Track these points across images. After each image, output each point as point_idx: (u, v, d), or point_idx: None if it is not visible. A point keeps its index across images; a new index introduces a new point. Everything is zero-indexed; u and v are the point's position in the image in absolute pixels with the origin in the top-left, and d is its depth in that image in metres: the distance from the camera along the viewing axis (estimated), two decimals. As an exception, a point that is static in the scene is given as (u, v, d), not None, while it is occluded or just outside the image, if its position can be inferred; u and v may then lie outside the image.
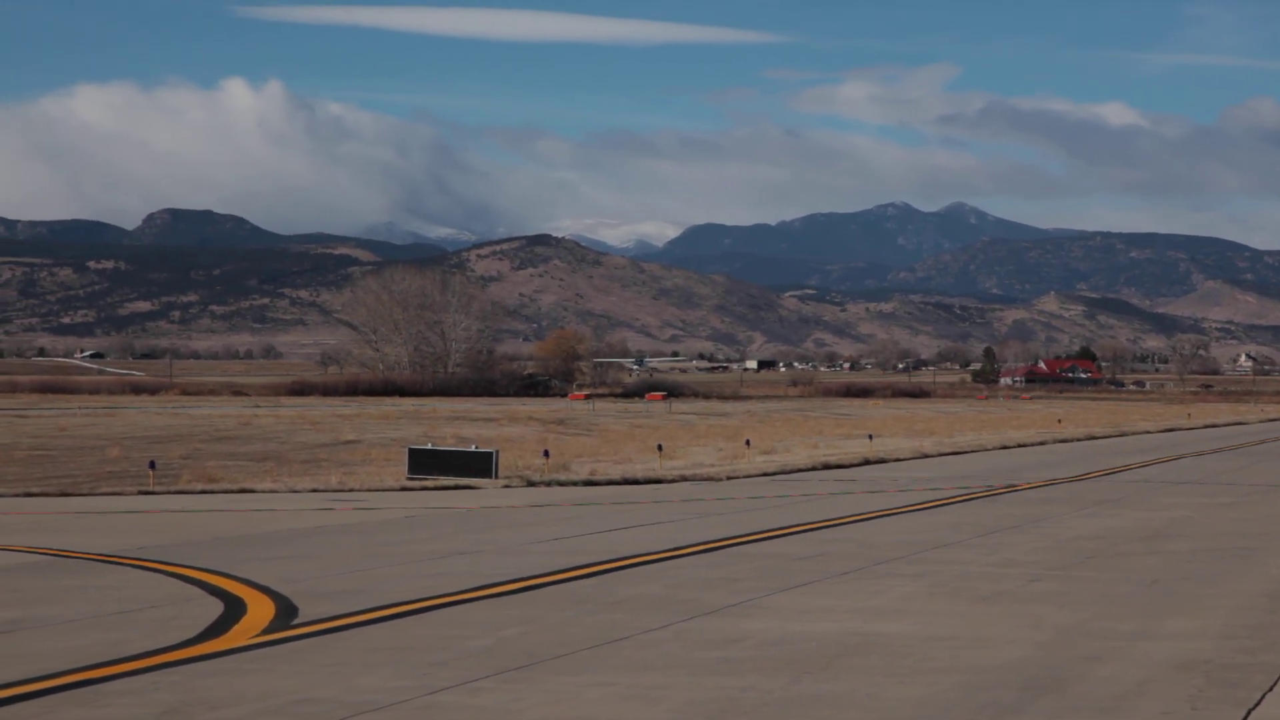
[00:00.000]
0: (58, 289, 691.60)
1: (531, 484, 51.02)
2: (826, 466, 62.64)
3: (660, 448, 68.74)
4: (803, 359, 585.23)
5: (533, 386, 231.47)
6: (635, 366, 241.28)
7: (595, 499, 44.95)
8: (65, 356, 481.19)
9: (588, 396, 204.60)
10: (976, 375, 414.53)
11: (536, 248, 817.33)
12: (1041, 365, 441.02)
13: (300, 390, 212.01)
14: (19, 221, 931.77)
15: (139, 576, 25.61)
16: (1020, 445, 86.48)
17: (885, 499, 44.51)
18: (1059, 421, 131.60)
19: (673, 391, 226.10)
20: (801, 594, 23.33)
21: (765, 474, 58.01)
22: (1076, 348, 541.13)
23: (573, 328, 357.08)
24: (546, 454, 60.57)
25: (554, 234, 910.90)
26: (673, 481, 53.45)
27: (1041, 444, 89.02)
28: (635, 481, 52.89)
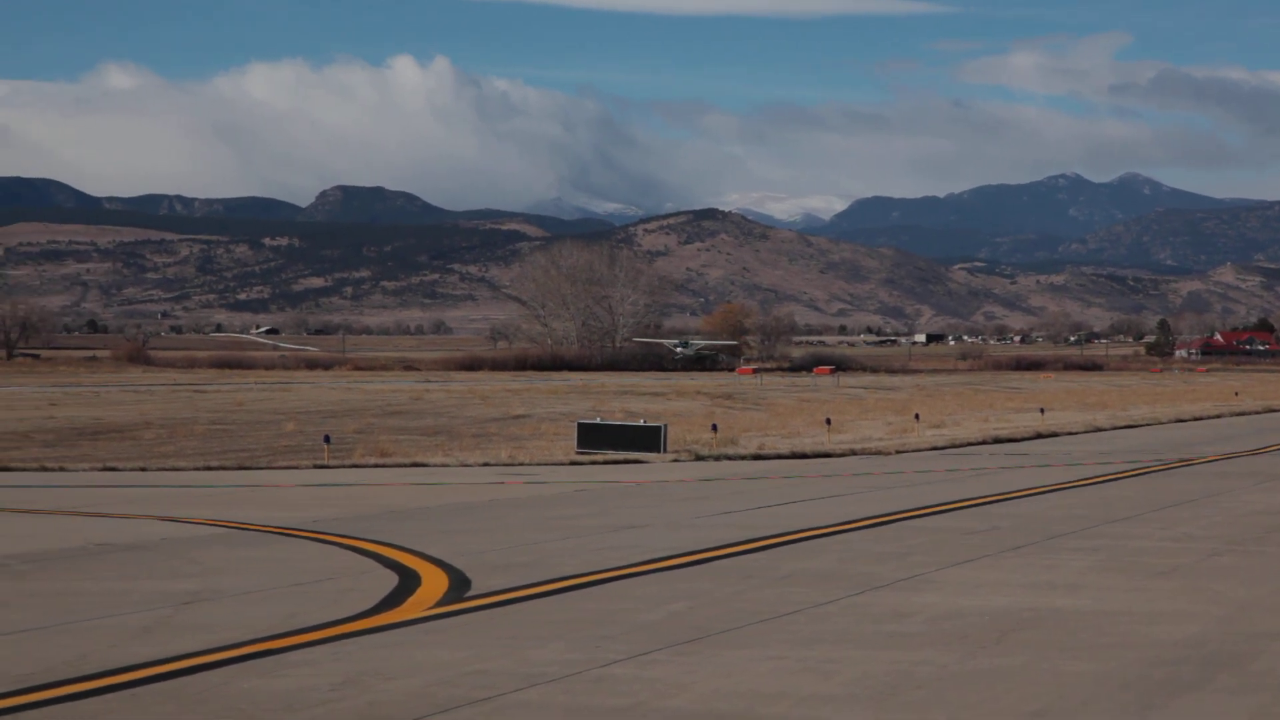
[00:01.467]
0: (234, 265, 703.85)
1: (700, 458, 51.09)
2: (997, 440, 62.04)
3: (829, 421, 68.49)
4: (972, 332, 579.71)
5: (700, 361, 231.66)
6: (680, 349, 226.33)
7: (763, 473, 44.90)
8: (241, 332, 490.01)
9: (756, 370, 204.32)
10: (1150, 348, 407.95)
11: (704, 222, 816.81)
12: (1218, 337, 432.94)
13: (470, 365, 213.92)
14: (196, 199, 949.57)
15: (315, 549, 26.04)
16: (1195, 419, 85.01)
17: (1057, 473, 43.99)
18: (1235, 394, 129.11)
19: (840, 365, 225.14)
20: (973, 568, 23.14)
21: (935, 448, 57.58)
22: (1254, 319, 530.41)
23: (740, 302, 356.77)
24: (715, 428, 60.60)
25: (721, 208, 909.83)
26: (841, 455, 53.24)
27: (1218, 417, 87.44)
28: (803, 455, 52.75)
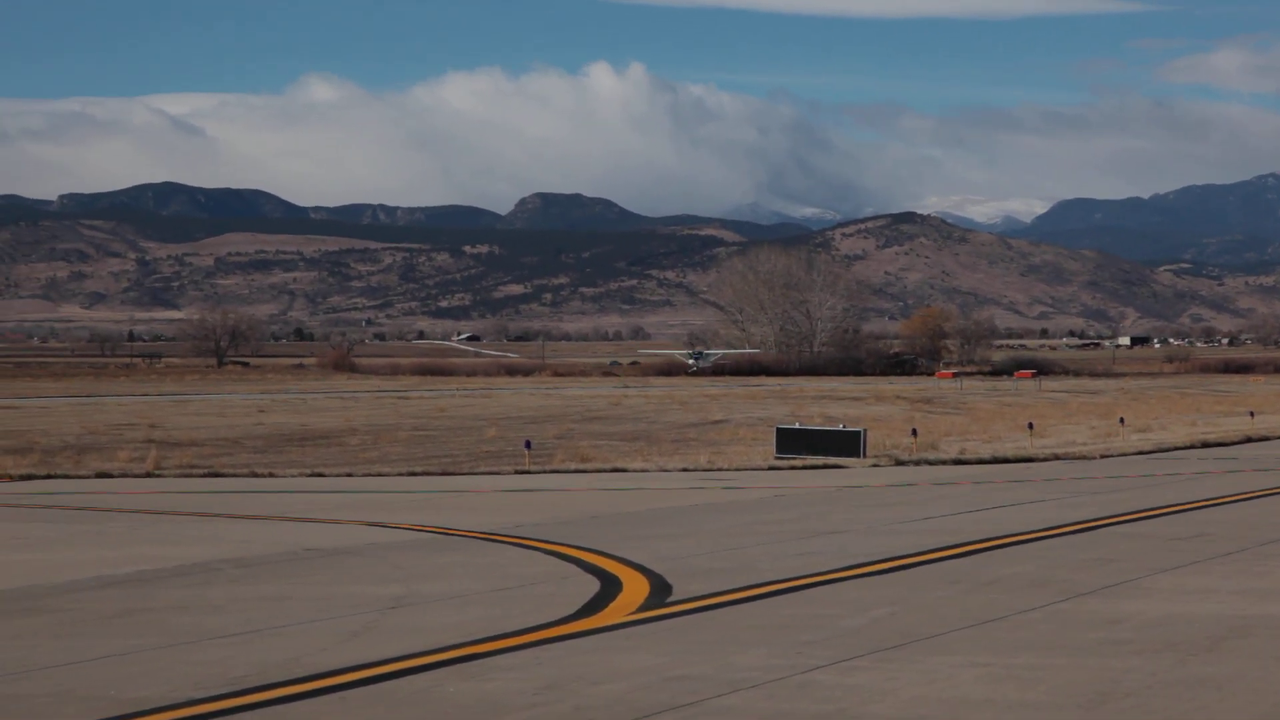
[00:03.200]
0: (435, 273, 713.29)
1: (900, 463, 50.74)
2: (1205, 444, 60.81)
3: (1031, 426, 67.62)
4: (1178, 335, 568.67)
5: (899, 365, 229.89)
6: (692, 360, 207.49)
7: (964, 478, 44.46)
8: (443, 339, 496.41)
9: (955, 375, 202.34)
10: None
11: (902, 225, 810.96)
12: None
13: (668, 370, 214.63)
14: (399, 208, 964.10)
15: (518, 554, 26.29)
16: None
17: (1269, 478, 42.98)
18: None
19: (1042, 369, 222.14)
20: (1181, 575, 22.70)
21: (1140, 452, 56.58)
22: None
23: (939, 305, 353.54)
24: (915, 433, 60.14)
25: (919, 211, 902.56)
26: (1044, 460, 52.54)
27: None
28: (1005, 460, 52.15)
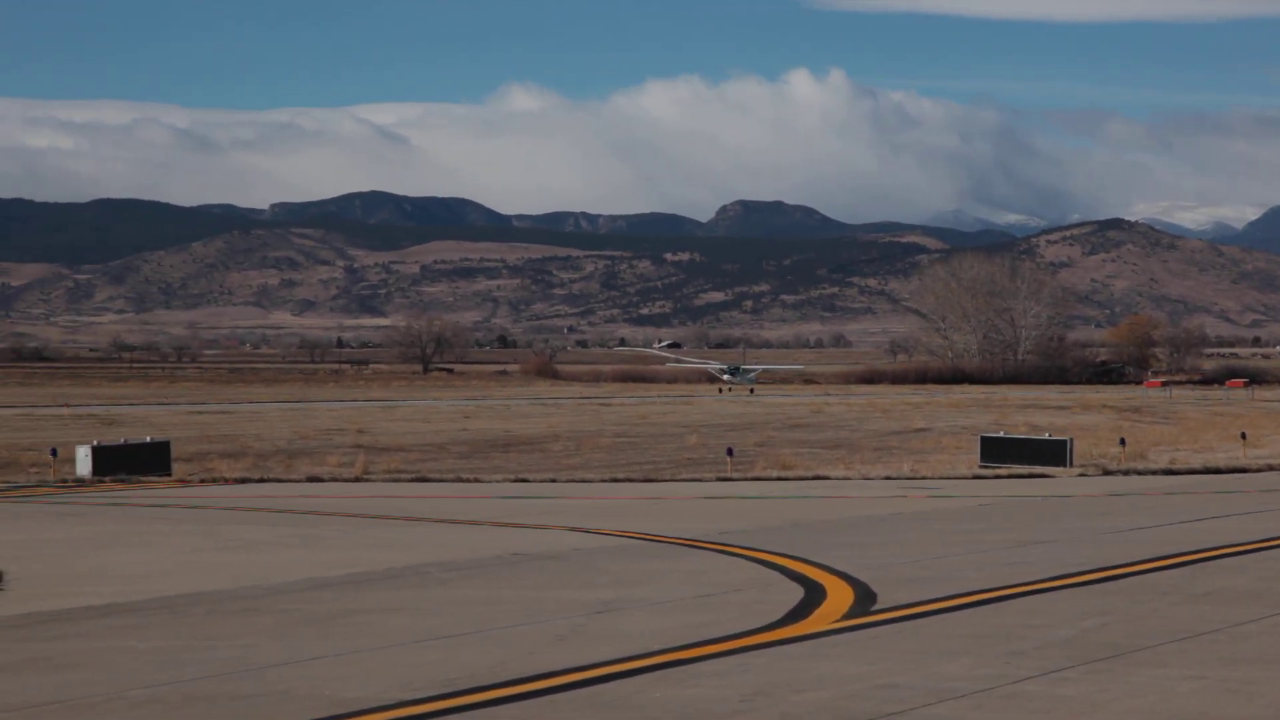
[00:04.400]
0: (637, 281, 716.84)
1: (1108, 472, 49.96)
2: None
3: (1244, 436, 66.18)
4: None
5: (1105, 374, 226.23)
6: (726, 376, 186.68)
7: (1175, 488, 43.64)
8: (644, 346, 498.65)
9: (1164, 384, 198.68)
10: None
11: (1109, 232, 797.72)
12: None
13: (870, 378, 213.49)
14: (600, 216, 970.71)
15: (722, 561, 26.34)
16: None
17: None
18: None
19: (1255, 378, 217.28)
20: (1404, 591, 22.06)
21: (1359, 464, 55.06)
22: None
23: (1147, 313, 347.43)
24: (1123, 442, 59.17)
25: (1126, 218, 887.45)
26: (1258, 471, 51.38)
27: None
28: (1217, 470, 51.09)
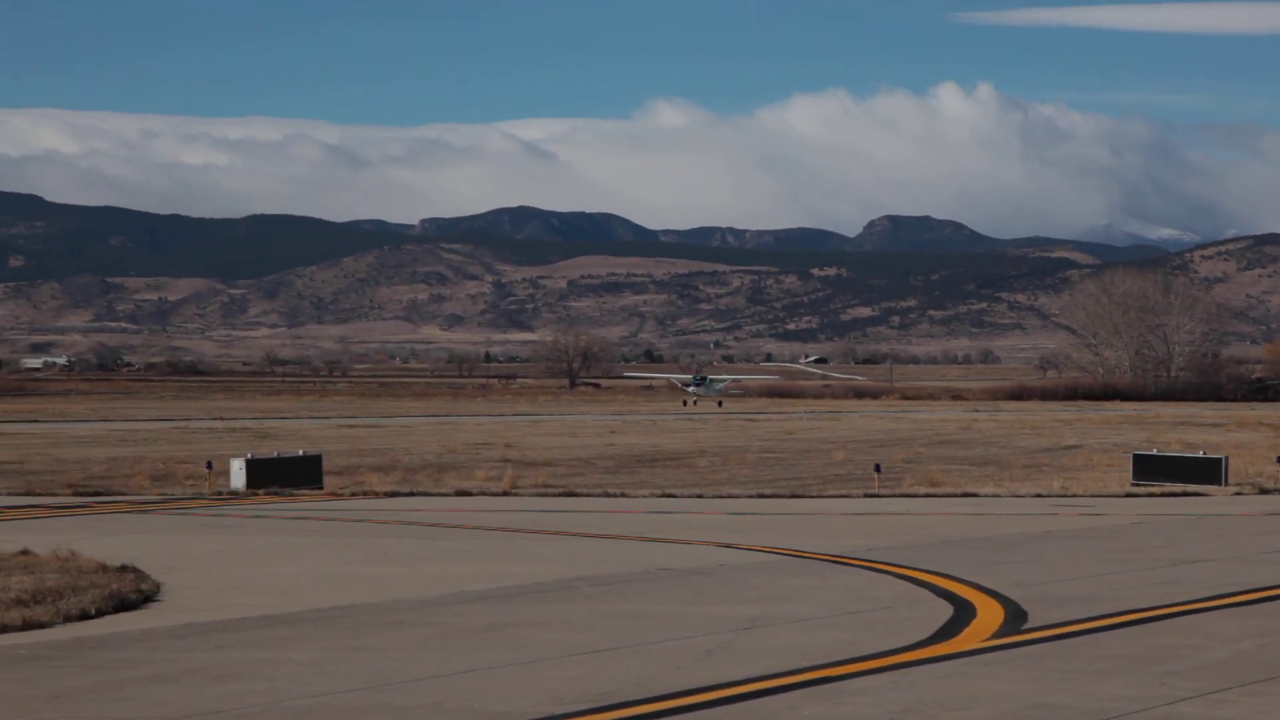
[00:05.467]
0: (783, 296, 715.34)
1: (1264, 491, 49.06)
2: None
3: (1405, 455, 64.58)
4: None
5: (1262, 390, 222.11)
6: (690, 388, 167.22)
7: (1334, 508, 42.74)
8: (790, 361, 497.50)
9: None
10: None
11: (1265, 247, 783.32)
12: None
13: (1019, 394, 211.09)
14: (747, 231, 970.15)
15: (869, 577, 26.23)
16: None
17: None
18: None
19: None
20: None
21: None
22: None
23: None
24: (1280, 460, 58.05)
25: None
26: None
27: None
28: (1379, 491, 49.93)
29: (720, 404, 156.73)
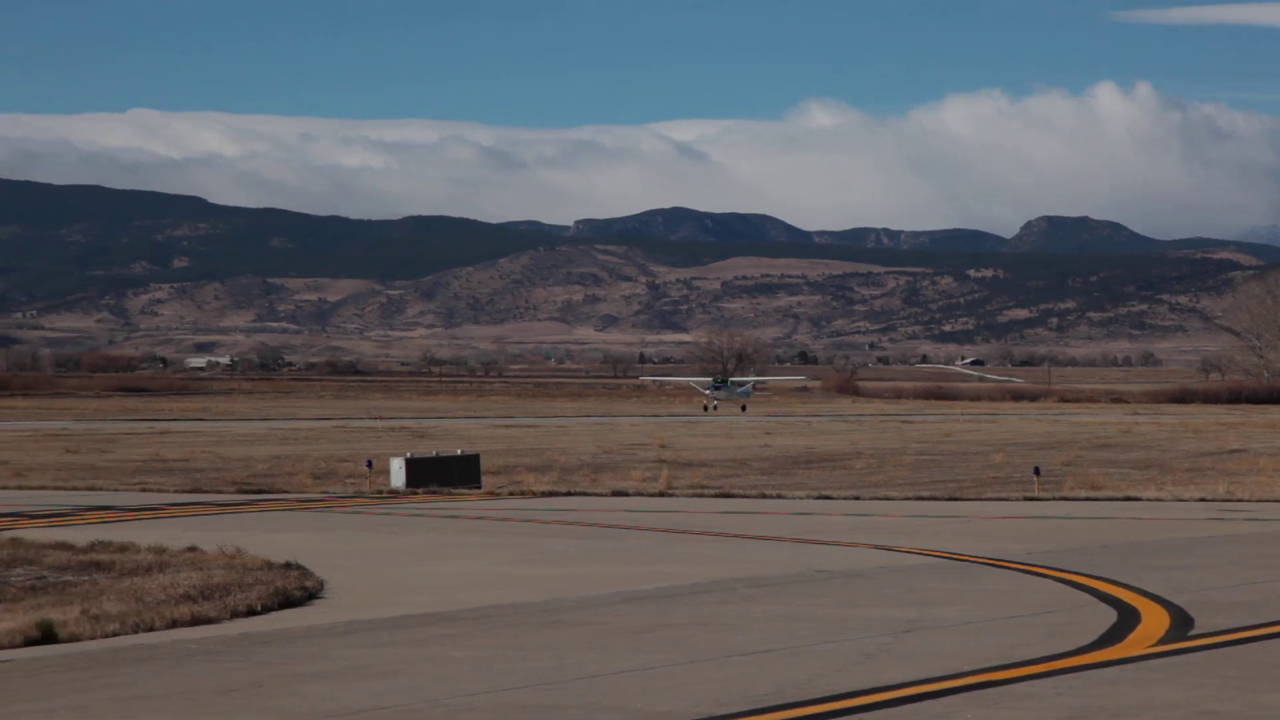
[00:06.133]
0: (939, 297, 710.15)
1: None
2: None
3: None
4: None
5: None
6: (709, 391, 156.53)
7: None
8: (946, 363, 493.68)
9: None
10: None
11: None
12: None
13: (1181, 397, 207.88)
14: (902, 232, 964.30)
15: (1029, 581, 25.96)
16: None
17: None
18: None
19: None
20: None
21: None
22: None
23: None
24: None
25: None
26: None
27: None
28: None
29: (744, 408, 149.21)
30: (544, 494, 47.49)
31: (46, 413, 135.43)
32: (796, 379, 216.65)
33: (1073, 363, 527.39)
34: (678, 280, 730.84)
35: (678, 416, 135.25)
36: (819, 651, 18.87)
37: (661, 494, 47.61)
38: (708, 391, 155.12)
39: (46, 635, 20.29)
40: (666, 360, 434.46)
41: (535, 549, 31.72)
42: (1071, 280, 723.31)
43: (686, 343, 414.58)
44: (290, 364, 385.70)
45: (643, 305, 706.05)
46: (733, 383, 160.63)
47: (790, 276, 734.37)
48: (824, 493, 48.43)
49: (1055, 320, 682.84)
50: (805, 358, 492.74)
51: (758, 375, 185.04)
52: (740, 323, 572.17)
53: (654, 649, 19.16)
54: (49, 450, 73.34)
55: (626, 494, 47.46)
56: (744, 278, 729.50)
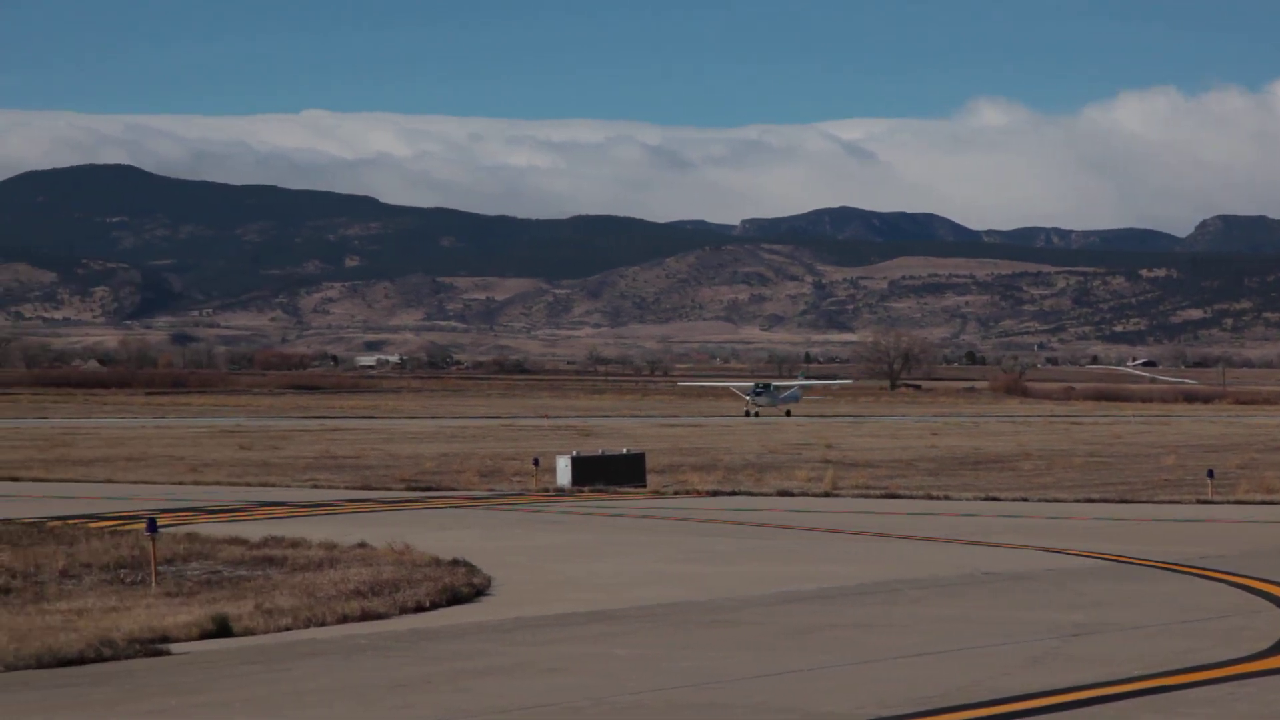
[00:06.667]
0: (1110, 297, 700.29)
1: None
2: None
3: None
4: None
5: None
6: (750, 397, 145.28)
7: None
8: (1117, 364, 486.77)
9: None
10: None
11: None
12: None
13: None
14: (1073, 232, 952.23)
15: (1203, 585, 25.54)
16: None
17: None
18: None
19: None
20: None
21: None
22: None
23: None
24: None
25: None
26: None
27: None
28: None
29: (788, 413, 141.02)
30: (709, 493, 47.53)
31: (221, 409, 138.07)
32: (844, 381, 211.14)
33: (1248, 364, 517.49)
34: (844, 279, 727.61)
35: (843, 416, 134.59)
36: (986, 654, 18.72)
37: (826, 494, 47.44)
38: (749, 398, 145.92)
39: (221, 629, 20.70)
40: (832, 360, 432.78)
41: (700, 548, 31.76)
42: (1248, 280, 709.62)
43: (852, 342, 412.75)
44: (458, 362, 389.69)
45: (809, 305, 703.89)
46: (775, 387, 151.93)
47: (958, 276, 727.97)
48: (991, 494, 47.96)
49: (1230, 321, 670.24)
50: (973, 358, 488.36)
51: (799, 381, 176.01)
52: (907, 322, 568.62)
53: (819, 649, 19.12)
54: (224, 447, 74.74)
55: (791, 494, 47.34)
56: (911, 277, 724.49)
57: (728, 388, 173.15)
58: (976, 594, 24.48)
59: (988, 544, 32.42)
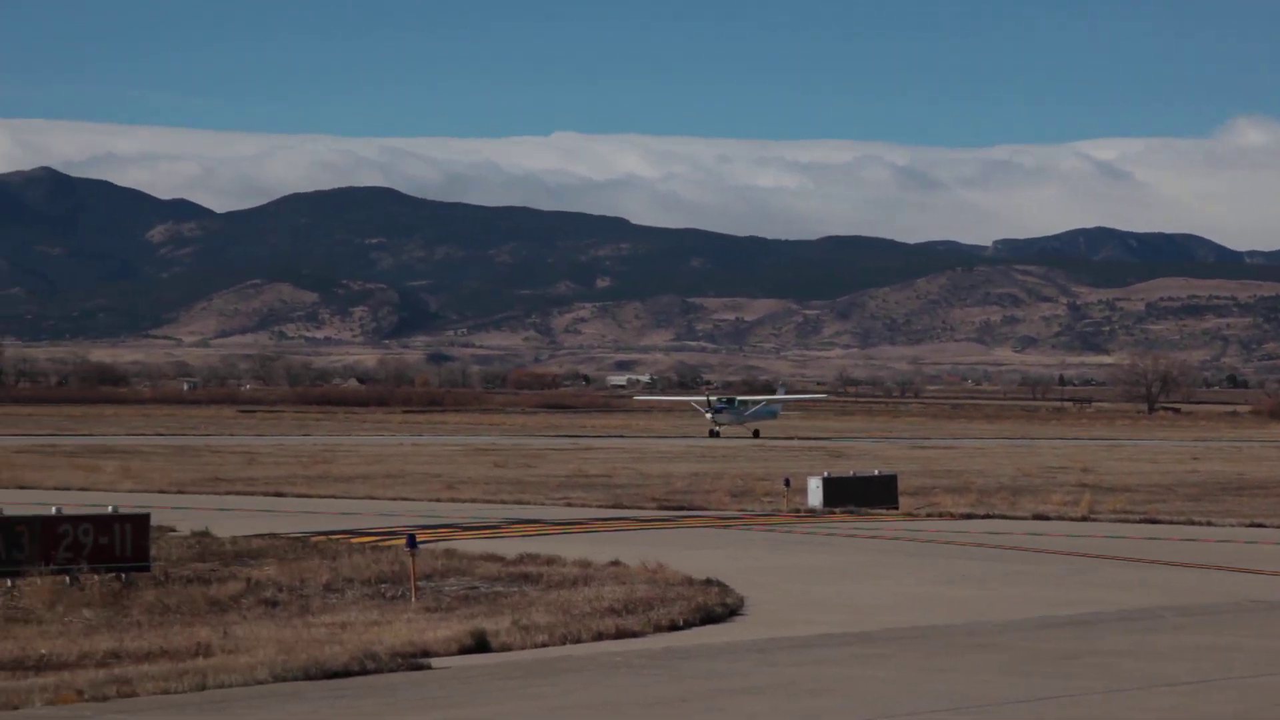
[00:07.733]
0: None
1: None
2: None
3: None
4: None
5: None
6: (710, 414, 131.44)
7: None
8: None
9: None
10: None
11: None
12: None
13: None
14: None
15: None
16: None
17: None
18: None
19: None
20: None
21: None
22: None
23: None
24: None
25: None
26: None
27: None
28: None
29: (756, 433, 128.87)
30: (962, 515, 46.98)
31: (476, 428, 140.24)
32: (817, 396, 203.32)
33: None
34: (1099, 301, 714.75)
35: (1099, 440, 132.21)
36: (1256, 685, 18.23)
37: (1083, 518, 46.57)
38: (709, 415, 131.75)
39: (480, 644, 21.03)
40: (1088, 382, 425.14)
41: (954, 570, 31.41)
42: None
43: (1108, 364, 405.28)
44: (708, 382, 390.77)
45: (1063, 326, 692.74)
46: (740, 402, 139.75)
47: (1219, 298, 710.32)
48: (1256, 520, 46.65)
49: None
50: (1234, 381, 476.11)
51: (767, 396, 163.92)
52: (1165, 345, 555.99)
53: (1078, 675, 18.79)
54: (478, 464, 75.91)
55: (1047, 517, 46.58)
56: (1169, 299, 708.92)
57: (688, 403, 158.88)
58: (1244, 622, 23.85)
59: (1255, 571, 31.55)
